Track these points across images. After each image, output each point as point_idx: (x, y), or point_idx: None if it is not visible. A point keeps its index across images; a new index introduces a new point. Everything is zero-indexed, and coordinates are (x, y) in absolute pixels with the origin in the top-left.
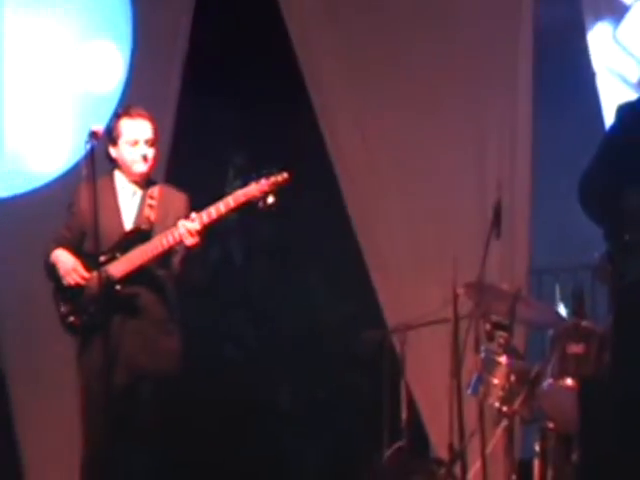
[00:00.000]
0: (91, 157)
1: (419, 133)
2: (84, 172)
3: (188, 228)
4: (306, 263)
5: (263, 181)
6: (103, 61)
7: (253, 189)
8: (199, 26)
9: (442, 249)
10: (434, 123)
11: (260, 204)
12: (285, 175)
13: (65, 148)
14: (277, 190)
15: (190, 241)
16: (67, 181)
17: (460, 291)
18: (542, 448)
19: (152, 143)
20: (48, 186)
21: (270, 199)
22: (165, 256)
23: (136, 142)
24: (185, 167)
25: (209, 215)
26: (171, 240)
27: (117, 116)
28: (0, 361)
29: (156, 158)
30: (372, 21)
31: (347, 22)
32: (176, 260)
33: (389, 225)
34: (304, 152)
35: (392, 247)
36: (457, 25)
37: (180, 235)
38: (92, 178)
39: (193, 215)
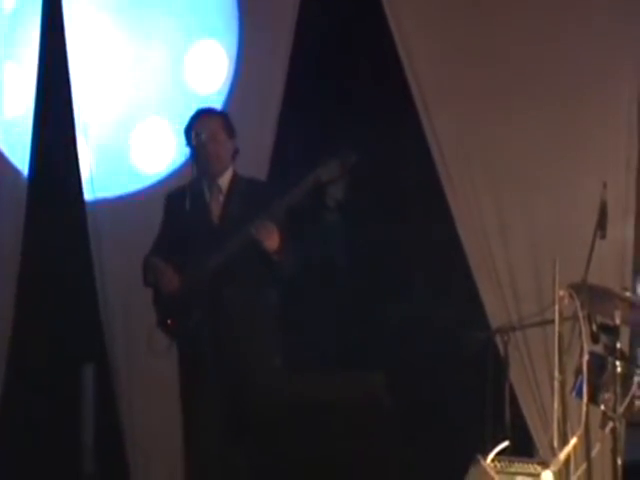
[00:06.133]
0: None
1: (520, 134)
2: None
3: (263, 229)
4: (411, 263)
5: (332, 164)
6: (209, 61)
7: (321, 172)
8: (302, 27)
9: (544, 250)
10: (536, 123)
11: (330, 189)
12: (353, 157)
13: (169, 149)
14: (347, 172)
15: (268, 239)
16: (171, 181)
17: (562, 292)
18: None
19: (217, 138)
20: (152, 186)
21: (341, 182)
22: (258, 252)
23: (203, 142)
24: (287, 168)
25: (279, 206)
26: (254, 235)
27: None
28: (108, 363)
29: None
30: (477, 31)
31: (454, 32)
32: (269, 254)
33: (490, 228)
34: (408, 156)
35: (494, 249)
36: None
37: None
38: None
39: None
